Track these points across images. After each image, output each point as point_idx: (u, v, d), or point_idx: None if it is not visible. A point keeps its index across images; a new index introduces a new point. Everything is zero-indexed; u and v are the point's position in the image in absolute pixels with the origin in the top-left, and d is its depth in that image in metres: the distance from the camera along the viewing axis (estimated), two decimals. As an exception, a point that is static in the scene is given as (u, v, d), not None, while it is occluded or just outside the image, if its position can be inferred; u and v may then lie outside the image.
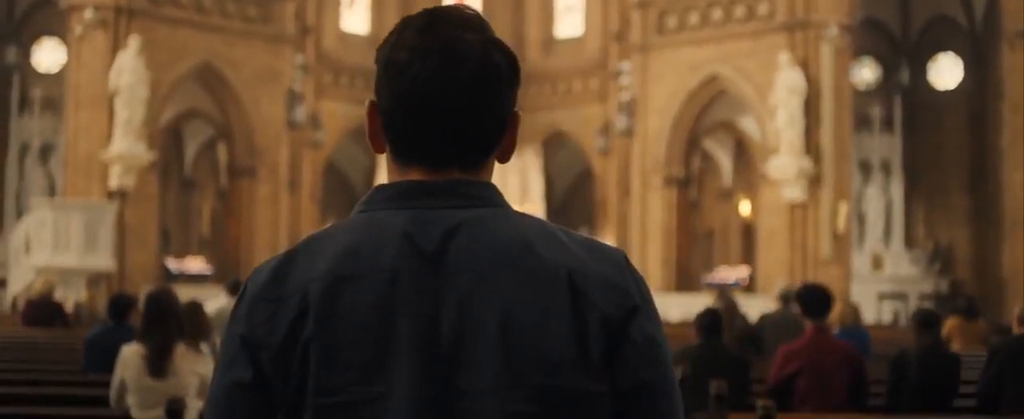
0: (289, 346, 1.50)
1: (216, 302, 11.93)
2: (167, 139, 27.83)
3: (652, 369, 1.54)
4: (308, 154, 29.32)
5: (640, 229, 26.65)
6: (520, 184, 29.46)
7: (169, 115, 26.13)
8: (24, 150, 26.26)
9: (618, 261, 1.58)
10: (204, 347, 8.35)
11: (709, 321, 7.49)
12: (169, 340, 6.08)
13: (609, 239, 27.44)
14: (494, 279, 1.50)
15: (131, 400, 6.07)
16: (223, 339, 1.59)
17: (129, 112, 22.17)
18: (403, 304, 1.49)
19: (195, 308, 8.75)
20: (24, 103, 26.52)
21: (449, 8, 1.61)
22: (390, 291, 1.49)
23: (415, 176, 1.59)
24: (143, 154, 22.57)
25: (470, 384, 1.47)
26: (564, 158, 31.29)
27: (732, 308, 11.46)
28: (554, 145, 30.96)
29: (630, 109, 26.39)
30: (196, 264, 26.53)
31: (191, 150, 30.45)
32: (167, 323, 6.11)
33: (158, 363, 6.04)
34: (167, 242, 28.84)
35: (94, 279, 21.08)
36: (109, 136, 22.31)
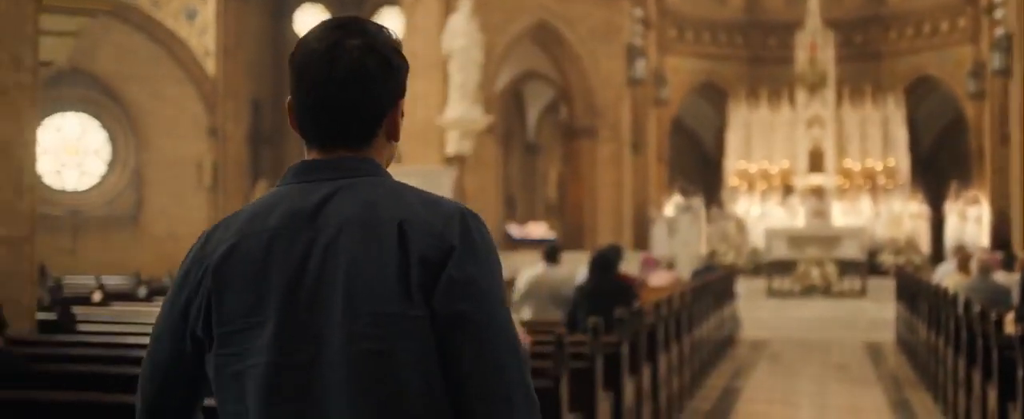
0: (199, 292, 1.94)
1: (532, 270, 10.91)
2: (507, 102, 27.38)
3: (466, 302, 1.85)
4: (652, 112, 28.15)
5: (1021, 181, 23.67)
6: (882, 136, 27.10)
7: (506, 78, 25.61)
8: (370, 120, 26.47)
9: (449, 212, 1.90)
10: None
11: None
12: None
13: (983, 192, 24.68)
14: (348, 232, 1.88)
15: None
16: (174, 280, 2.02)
17: (463, 76, 21.68)
18: (278, 254, 1.89)
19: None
20: (369, 73, 26.70)
21: (347, 18, 2.02)
22: (269, 245, 1.90)
23: (313, 154, 2.00)
24: (479, 118, 22.04)
25: (324, 317, 1.86)
26: (931, 105, 28.55)
27: None
28: (920, 91, 28.30)
29: (1006, 47, 23.37)
30: (539, 229, 25.91)
31: (533, 113, 29.95)
32: None
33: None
34: (512, 208, 28.47)
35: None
36: (445, 102, 21.91)
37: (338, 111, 1.95)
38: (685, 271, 18.96)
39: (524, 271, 11.25)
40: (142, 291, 14.59)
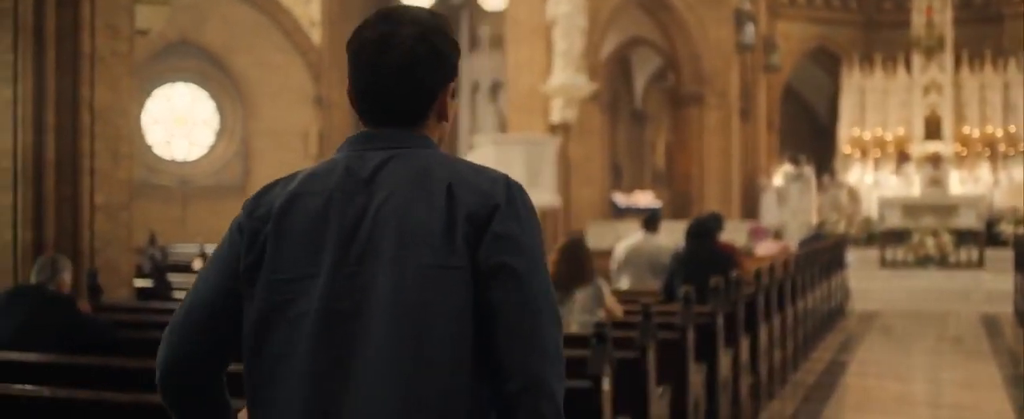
0: (255, 237, 2.05)
1: (630, 239, 10.68)
2: (613, 70, 27.02)
3: (508, 255, 1.97)
4: (762, 79, 27.56)
5: None
6: (1002, 101, 26.30)
7: (612, 44, 25.25)
8: (475, 88, 26.38)
9: (495, 178, 2.06)
10: (583, 293, 7.10)
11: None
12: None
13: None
14: (401, 192, 2.02)
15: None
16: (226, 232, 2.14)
17: (568, 43, 21.39)
18: (335, 212, 2.02)
19: (577, 246, 7.53)
20: (473, 41, 26.60)
21: (398, 8, 2.16)
22: (326, 204, 2.03)
23: (367, 129, 2.14)
24: (584, 86, 21.74)
25: (374, 268, 1.97)
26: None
27: None
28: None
29: None
30: (645, 198, 25.57)
31: (640, 81, 29.53)
32: None
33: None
34: (618, 177, 28.16)
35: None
36: (549, 69, 21.66)
37: (391, 95, 2.09)
38: (795, 241, 18.51)
39: (622, 240, 11.02)
40: (243, 259, 14.72)
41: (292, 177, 2.11)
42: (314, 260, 2.01)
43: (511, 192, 2.03)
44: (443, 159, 2.08)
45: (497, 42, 25.19)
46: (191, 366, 2.11)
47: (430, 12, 2.15)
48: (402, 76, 2.08)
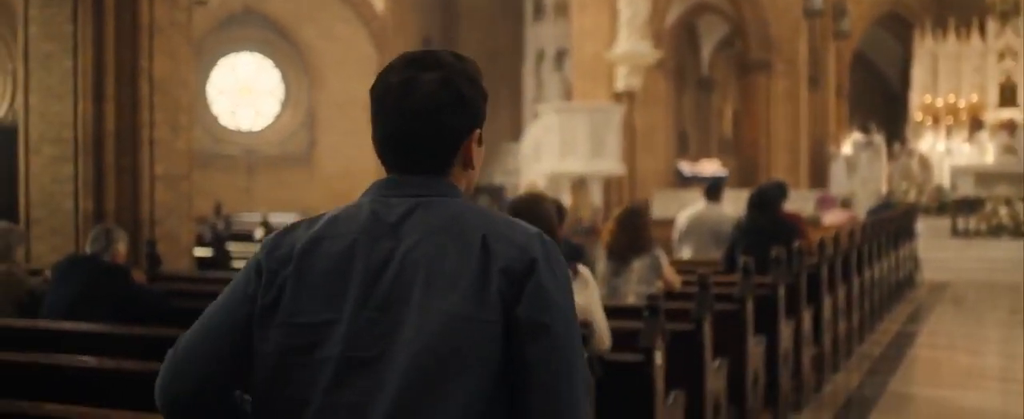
0: (273, 278, 1.99)
1: (692, 208, 10.52)
2: (679, 37, 26.70)
3: (545, 313, 1.91)
4: (831, 45, 27.10)
5: None
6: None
7: (678, 11, 24.93)
8: (540, 57, 26.21)
9: (530, 232, 1.99)
10: (640, 263, 6.98)
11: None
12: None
13: None
14: (431, 239, 1.95)
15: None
16: (242, 269, 2.07)
17: (632, 10, 21.15)
18: (360, 256, 1.96)
19: (635, 215, 7.40)
20: (538, 9, 26.42)
21: (424, 52, 2.08)
22: (350, 247, 1.98)
23: (392, 175, 2.07)
24: (648, 53, 21.49)
25: (399, 316, 1.91)
26: None
27: None
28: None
29: None
30: (711, 167, 25.29)
31: (706, 48, 29.18)
32: None
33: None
34: (684, 145, 27.89)
35: (598, 185, 20.46)
36: (613, 36, 21.44)
37: (414, 141, 2.02)
38: (863, 210, 18.20)
39: (685, 209, 10.86)
40: (305, 228, 14.75)
41: (315, 219, 2.06)
42: (336, 305, 1.95)
43: (547, 248, 1.98)
44: (475, 209, 2.03)
45: (562, 9, 25.01)
46: (193, 400, 2.04)
47: (457, 56, 2.08)
48: (425, 122, 2.01)
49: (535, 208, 4.81)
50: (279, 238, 2.04)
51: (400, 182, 2.03)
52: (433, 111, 2.00)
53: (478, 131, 2.08)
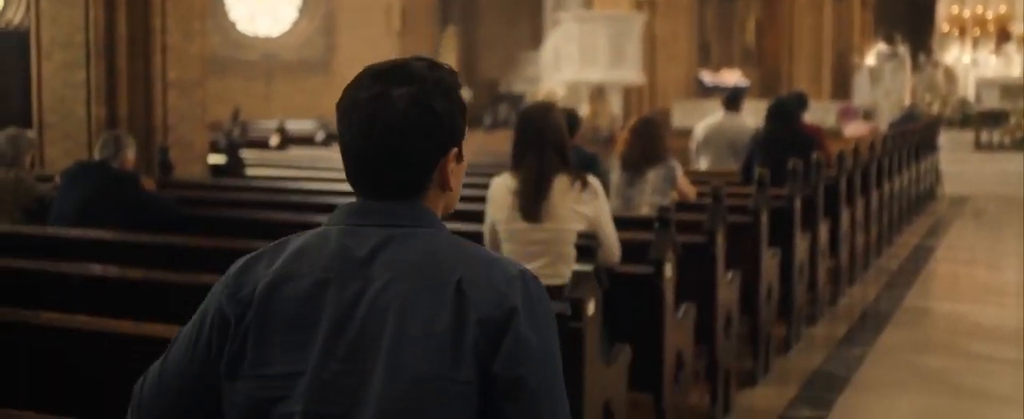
0: (238, 323, 1.84)
1: (710, 118, 10.39)
2: (703, -55, 26.26)
3: (525, 367, 1.76)
4: (857, -47, 26.66)
5: None
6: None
7: (702, -83, 24.49)
8: (560, -36, 25.86)
9: (510, 274, 1.81)
10: (655, 173, 6.89)
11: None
12: (544, 173, 4.58)
13: None
14: (402, 281, 1.78)
15: (506, 249, 4.69)
16: (203, 303, 1.91)
17: (655, -85, 20.80)
18: (328, 302, 1.80)
19: (650, 125, 7.29)
20: (559, -85, 26.00)
21: (394, 64, 1.87)
22: (316, 290, 1.81)
23: (362, 200, 1.89)
24: (671, -40, 21.17)
25: (365, 371, 1.76)
26: None
27: None
28: None
29: None
30: (733, 77, 25.03)
31: (731, -44, 28.70)
32: (543, 149, 4.60)
33: (528, 204, 4.58)
34: (706, 55, 27.58)
35: (621, 94, 20.29)
36: (635, -57, 21.12)
37: (383, 165, 1.85)
38: (885, 122, 18.01)
39: (703, 120, 10.72)
40: (320, 135, 14.65)
41: (279, 249, 1.90)
42: (299, 356, 1.80)
43: (528, 290, 1.81)
44: (451, 243, 1.86)
45: (584, -85, 24.60)
46: None
47: (432, 65, 1.88)
48: (394, 144, 1.83)
49: (545, 117, 4.72)
50: (241, 275, 1.89)
51: (369, 209, 1.87)
52: (404, 132, 1.83)
53: (455, 149, 1.90)
